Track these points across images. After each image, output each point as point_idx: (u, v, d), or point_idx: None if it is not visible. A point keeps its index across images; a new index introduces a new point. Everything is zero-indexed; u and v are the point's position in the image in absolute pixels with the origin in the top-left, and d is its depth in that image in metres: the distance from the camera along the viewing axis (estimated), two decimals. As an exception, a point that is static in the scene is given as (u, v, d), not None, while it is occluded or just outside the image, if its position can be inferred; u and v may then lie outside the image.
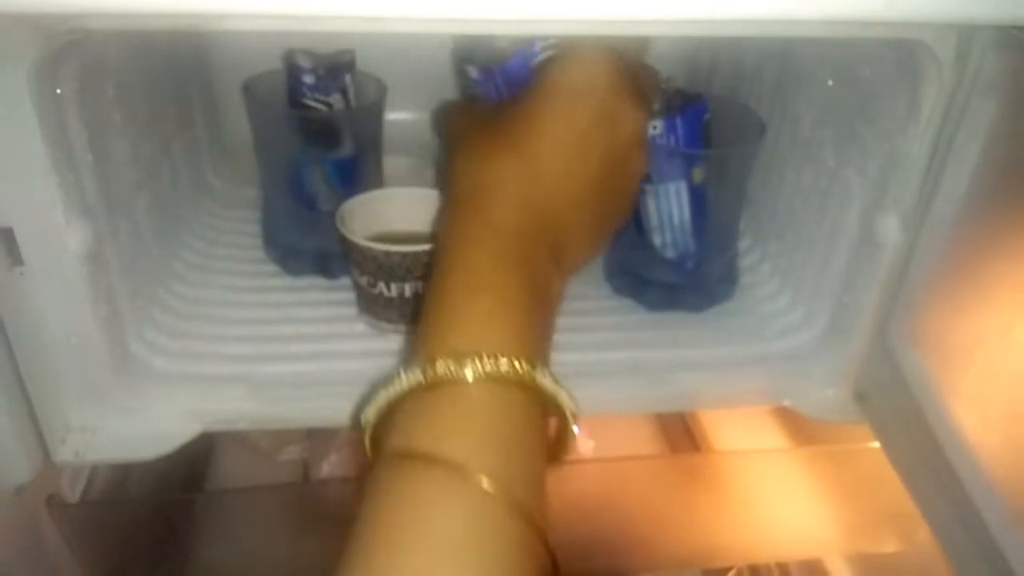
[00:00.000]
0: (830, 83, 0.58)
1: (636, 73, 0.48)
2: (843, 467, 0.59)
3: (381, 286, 0.57)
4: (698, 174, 0.58)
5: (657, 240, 0.61)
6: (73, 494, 0.53)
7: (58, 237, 0.45)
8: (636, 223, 0.61)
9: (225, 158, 0.78)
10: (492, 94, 0.53)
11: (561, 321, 0.62)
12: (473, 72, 0.54)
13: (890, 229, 0.51)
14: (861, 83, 0.54)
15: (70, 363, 0.49)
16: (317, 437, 0.67)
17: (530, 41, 0.50)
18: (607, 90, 0.46)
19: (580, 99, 0.45)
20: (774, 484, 0.60)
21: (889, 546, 0.62)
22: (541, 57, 0.50)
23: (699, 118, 0.58)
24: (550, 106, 0.45)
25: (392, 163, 0.69)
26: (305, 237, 0.65)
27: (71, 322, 0.48)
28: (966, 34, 0.44)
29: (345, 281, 0.62)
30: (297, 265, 0.66)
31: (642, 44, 0.53)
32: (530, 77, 0.49)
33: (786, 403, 0.56)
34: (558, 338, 0.61)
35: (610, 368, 0.58)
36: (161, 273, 0.61)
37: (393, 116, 0.66)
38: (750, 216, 0.68)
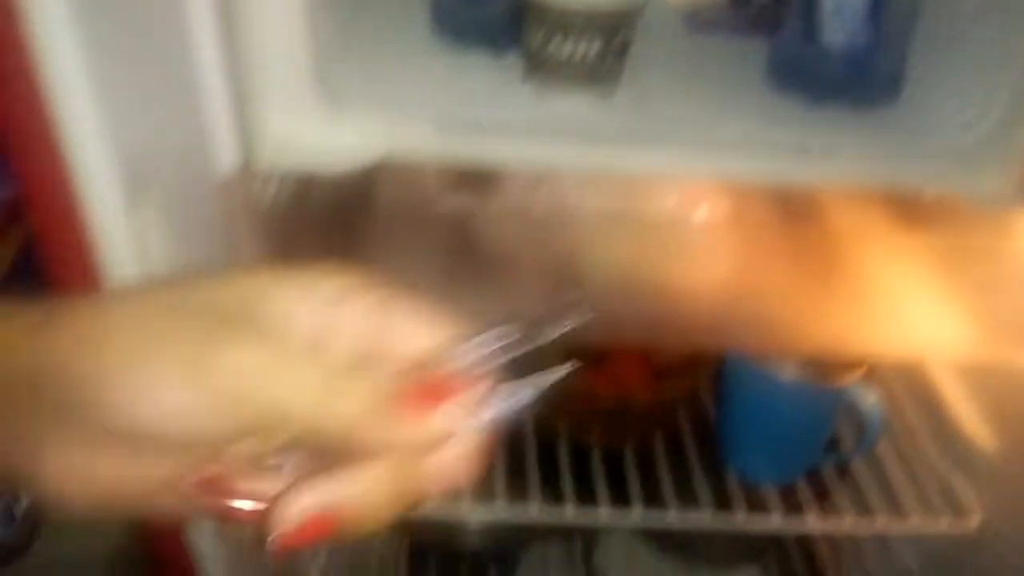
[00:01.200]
0: None
1: None
2: (980, 267, 0.58)
3: (555, 43, 0.59)
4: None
5: (828, 30, 0.61)
6: (264, 199, 0.58)
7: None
8: (807, 14, 0.61)
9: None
10: None
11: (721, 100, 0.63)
12: None
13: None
14: None
15: (277, 74, 0.53)
16: (481, 188, 0.69)
17: None
18: None
19: None
20: (903, 276, 0.59)
21: (1017, 358, 0.62)
22: None
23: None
24: None
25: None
26: (472, 10, 0.67)
27: (283, 34, 0.52)
28: None
29: (513, 56, 0.64)
30: (467, 38, 0.68)
31: None
32: None
33: (947, 190, 0.56)
34: (714, 116, 0.62)
35: (765, 145, 0.59)
36: (346, 34, 0.64)
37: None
38: (923, 24, 0.67)
